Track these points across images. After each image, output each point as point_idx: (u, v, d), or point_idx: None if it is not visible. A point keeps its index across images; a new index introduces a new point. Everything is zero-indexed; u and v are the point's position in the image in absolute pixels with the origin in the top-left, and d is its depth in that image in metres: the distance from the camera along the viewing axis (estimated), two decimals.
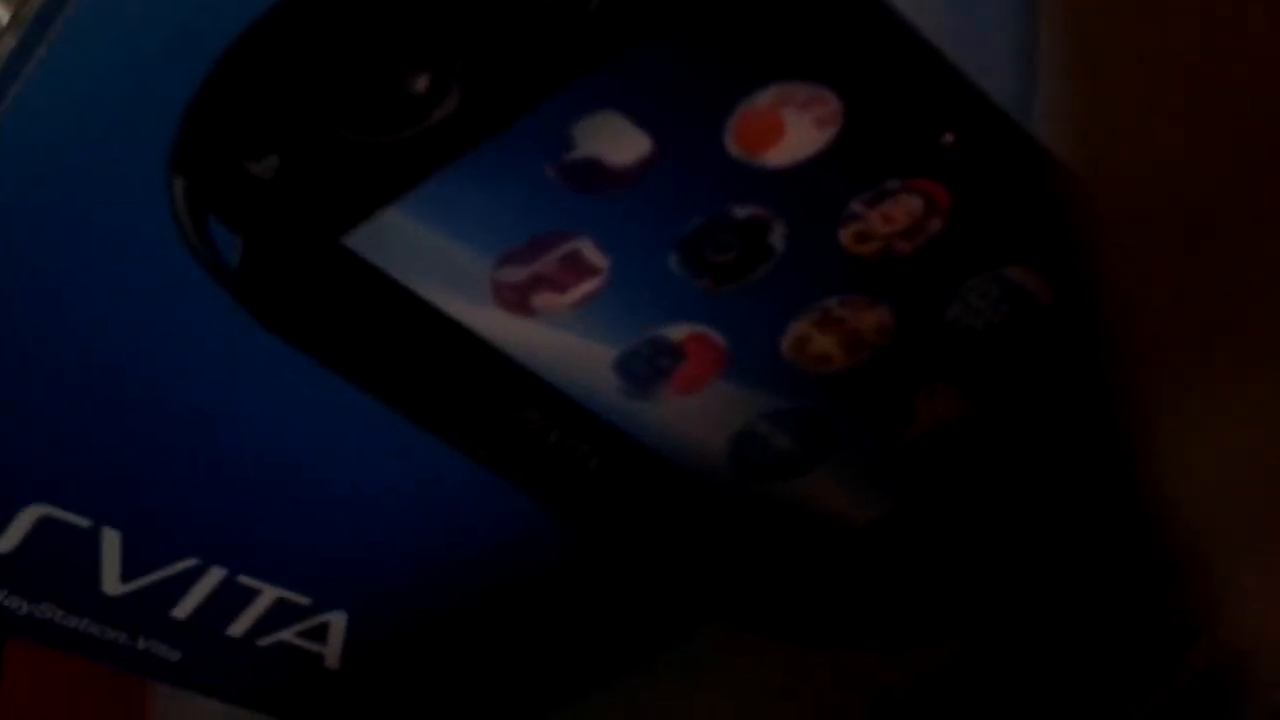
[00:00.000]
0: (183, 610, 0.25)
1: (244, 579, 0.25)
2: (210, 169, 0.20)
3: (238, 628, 0.26)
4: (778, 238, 0.23)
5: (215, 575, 0.25)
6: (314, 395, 0.23)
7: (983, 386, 0.25)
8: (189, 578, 0.25)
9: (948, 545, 0.27)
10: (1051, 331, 0.25)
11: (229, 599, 0.25)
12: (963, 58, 0.22)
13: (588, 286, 0.22)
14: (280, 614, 0.26)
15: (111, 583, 0.24)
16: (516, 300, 0.22)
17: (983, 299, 0.24)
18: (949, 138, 0.22)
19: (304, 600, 0.26)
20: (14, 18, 0.20)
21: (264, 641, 0.26)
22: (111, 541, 0.24)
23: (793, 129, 0.22)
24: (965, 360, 0.25)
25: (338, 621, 0.26)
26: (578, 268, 0.22)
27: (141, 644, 0.26)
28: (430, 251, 0.21)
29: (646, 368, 0.23)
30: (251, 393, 0.23)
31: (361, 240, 0.21)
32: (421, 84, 0.20)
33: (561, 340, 0.23)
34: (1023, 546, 0.27)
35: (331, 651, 0.27)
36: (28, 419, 0.22)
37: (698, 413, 0.24)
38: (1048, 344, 0.25)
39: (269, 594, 0.25)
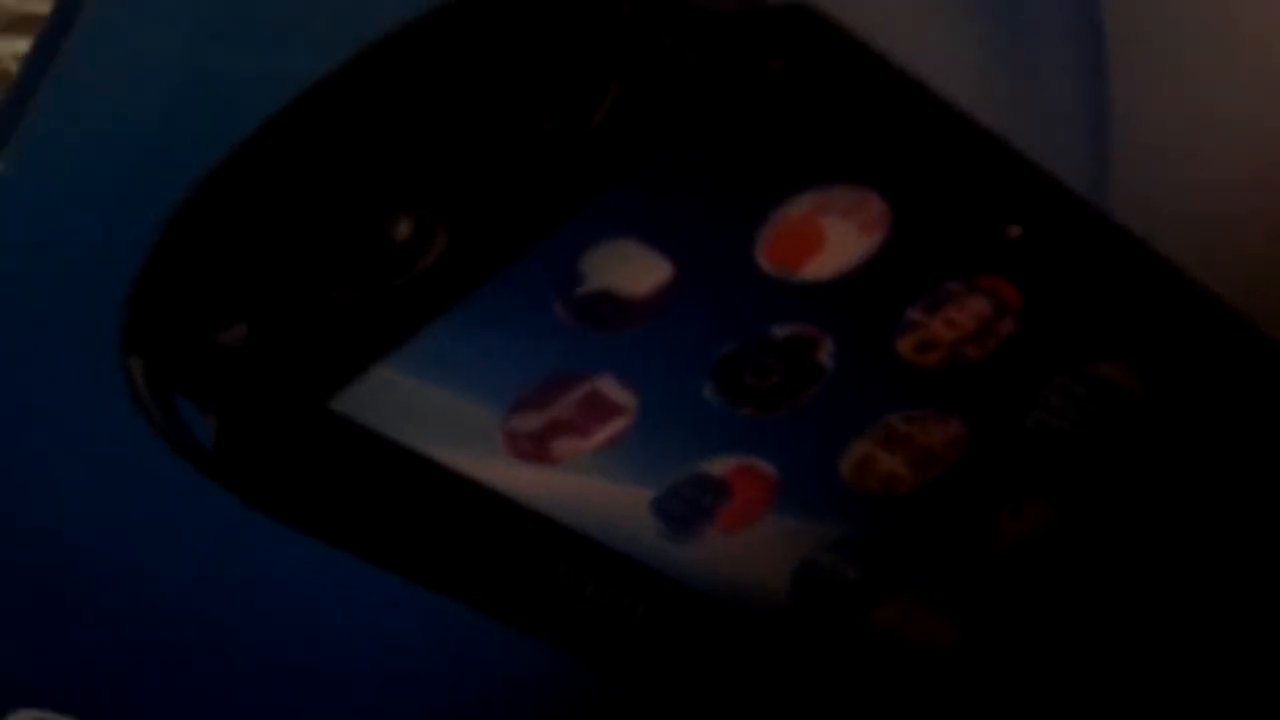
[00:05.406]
0: None
1: None
2: (170, 345, 0.18)
3: None
4: (826, 356, 0.20)
5: None
6: (315, 569, 0.20)
7: (1074, 495, 0.22)
8: None
9: (1044, 670, 0.24)
10: (1147, 427, 0.22)
11: None
12: (1023, 139, 0.19)
13: (613, 427, 0.20)
14: None
15: None
16: (534, 450, 0.20)
17: (1066, 400, 0.21)
18: (1015, 230, 0.19)
19: None
20: None
21: None
22: None
23: (834, 238, 0.19)
24: (1052, 468, 0.22)
25: None
26: (600, 408, 0.20)
27: None
28: (430, 408, 0.19)
29: (688, 508, 0.21)
30: (248, 575, 0.20)
31: (351, 402, 0.19)
32: (404, 229, 0.18)
33: (590, 486, 0.20)
34: (1125, 666, 0.24)
35: None
36: (4, 619, 0.20)
37: (751, 550, 0.21)
38: (1144, 440, 0.22)
39: None
